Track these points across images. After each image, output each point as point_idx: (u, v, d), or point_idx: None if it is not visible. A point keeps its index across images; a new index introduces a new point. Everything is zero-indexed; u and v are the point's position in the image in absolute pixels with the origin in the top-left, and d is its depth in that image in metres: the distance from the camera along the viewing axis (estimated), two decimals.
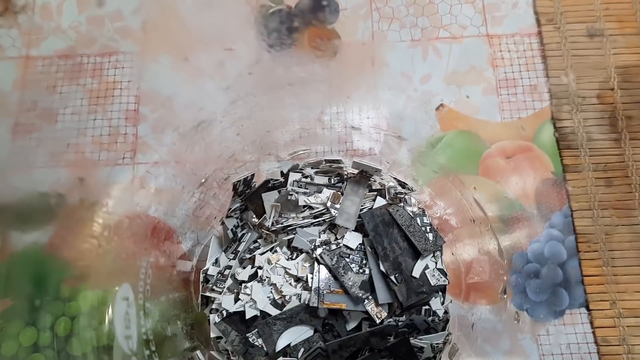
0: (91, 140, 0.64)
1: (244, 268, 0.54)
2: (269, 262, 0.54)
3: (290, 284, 0.53)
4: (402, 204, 0.56)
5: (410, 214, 0.55)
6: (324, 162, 0.57)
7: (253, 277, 0.54)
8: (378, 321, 0.51)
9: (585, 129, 0.64)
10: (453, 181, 0.58)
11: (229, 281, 0.54)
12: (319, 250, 0.53)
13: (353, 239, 0.54)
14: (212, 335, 0.52)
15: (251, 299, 0.52)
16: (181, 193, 0.56)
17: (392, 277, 0.52)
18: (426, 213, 0.56)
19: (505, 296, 0.56)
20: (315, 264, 0.53)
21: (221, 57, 0.66)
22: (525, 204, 0.60)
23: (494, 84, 0.66)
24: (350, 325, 0.52)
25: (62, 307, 0.56)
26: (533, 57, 0.67)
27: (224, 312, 0.52)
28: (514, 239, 0.58)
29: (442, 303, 0.54)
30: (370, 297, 0.52)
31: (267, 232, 0.55)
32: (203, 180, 0.56)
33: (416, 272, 0.53)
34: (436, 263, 0.54)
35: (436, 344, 0.52)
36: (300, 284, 0.53)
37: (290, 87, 0.60)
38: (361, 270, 0.53)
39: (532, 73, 0.67)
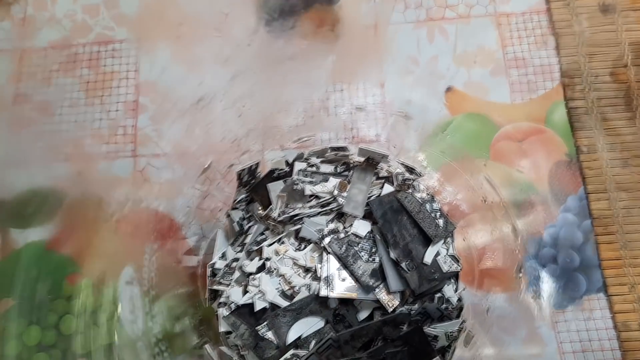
0: (90, 133, 0.64)
1: (252, 260, 0.54)
2: (276, 253, 0.54)
3: (299, 274, 0.53)
4: (410, 191, 0.56)
5: (419, 200, 0.55)
6: (329, 150, 0.57)
7: (261, 269, 0.54)
8: (390, 310, 0.51)
9: (599, 108, 0.64)
10: (462, 165, 0.58)
11: (237, 274, 0.54)
12: (327, 240, 0.53)
13: (362, 227, 0.54)
14: (221, 329, 0.53)
15: (260, 290, 0.52)
16: (184, 185, 0.57)
17: (403, 265, 0.52)
18: (435, 199, 0.56)
19: (520, 275, 0.56)
20: (324, 253, 0.53)
21: (219, 29, 0.66)
22: (539, 188, 0.61)
23: (503, 64, 0.66)
24: (362, 315, 0.53)
25: (65, 304, 0.57)
26: (542, 35, 0.67)
27: (233, 306, 0.53)
28: (528, 224, 0.59)
29: (456, 290, 0.54)
30: (381, 285, 0.52)
31: (274, 223, 0.55)
32: (206, 166, 0.56)
33: (427, 259, 0.53)
34: (447, 249, 0.55)
35: (450, 332, 0.52)
36: (310, 275, 0.54)
37: (291, 61, 0.60)
38: (371, 259, 0.54)
39: (542, 52, 0.67)
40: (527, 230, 0.58)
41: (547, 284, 0.58)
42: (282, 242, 0.55)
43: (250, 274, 0.54)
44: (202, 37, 0.67)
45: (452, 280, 0.54)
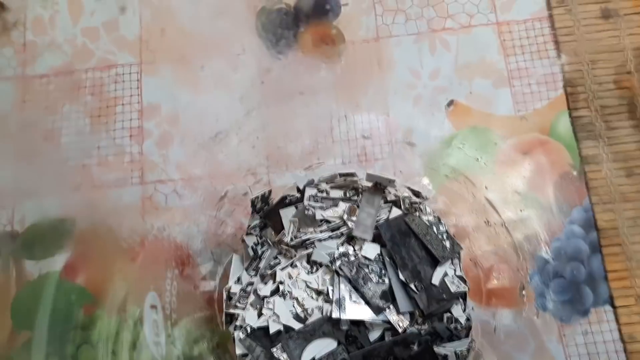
0: (97, 161, 0.67)
1: (266, 284, 0.59)
2: (289, 276, 0.59)
3: (311, 297, 0.58)
4: (417, 213, 0.61)
5: (427, 222, 0.60)
6: (338, 176, 0.62)
7: (275, 292, 0.59)
8: (400, 330, 0.56)
9: (603, 117, 0.65)
10: (465, 184, 0.62)
11: (252, 297, 0.59)
12: (338, 263, 0.58)
13: (371, 250, 0.60)
14: (238, 352, 0.58)
15: (274, 313, 0.57)
16: (197, 212, 0.61)
17: (412, 286, 0.57)
18: (442, 221, 0.61)
19: (524, 292, 0.60)
20: (335, 276, 0.58)
21: (231, 66, 0.69)
22: (545, 201, 0.63)
23: (505, 75, 0.69)
24: (373, 336, 0.58)
25: (82, 334, 0.61)
26: (545, 43, 0.69)
27: (248, 328, 0.58)
28: (533, 238, 0.62)
29: (464, 310, 0.59)
30: (391, 306, 0.57)
31: (287, 247, 0.60)
32: (222, 194, 0.61)
33: (435, 280, 0.58)
34: (455, 270, 0.60)
35: (460, 351, 0.57)
36: (322, 297, 0.59)
37: (301, 95, 0.64)
38: (381, 280, 0.58)
39: (545, 61, 0.68)
40: (533, 244, 0.61)
41: (554, 298, 0.60)
42: (295, 266, 0.60)
43: (265, 297, 0.59)
44: (205, 56, 0.69)
45: (460, 300, 0.59)
